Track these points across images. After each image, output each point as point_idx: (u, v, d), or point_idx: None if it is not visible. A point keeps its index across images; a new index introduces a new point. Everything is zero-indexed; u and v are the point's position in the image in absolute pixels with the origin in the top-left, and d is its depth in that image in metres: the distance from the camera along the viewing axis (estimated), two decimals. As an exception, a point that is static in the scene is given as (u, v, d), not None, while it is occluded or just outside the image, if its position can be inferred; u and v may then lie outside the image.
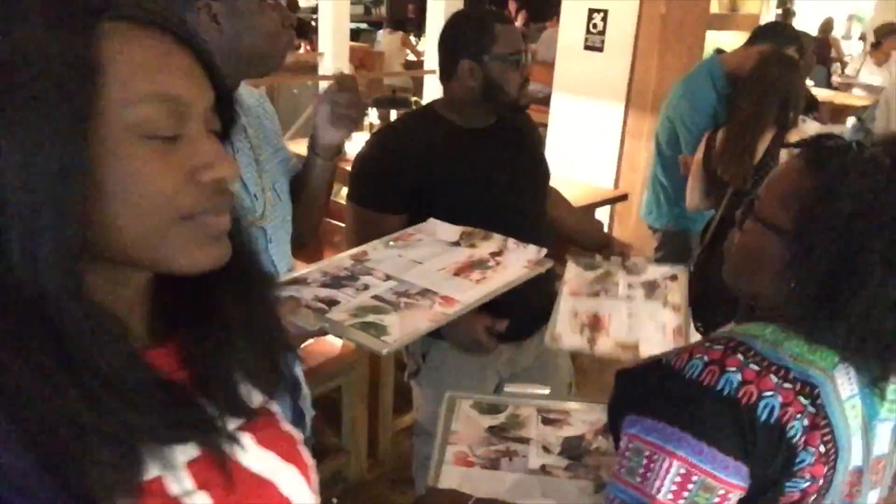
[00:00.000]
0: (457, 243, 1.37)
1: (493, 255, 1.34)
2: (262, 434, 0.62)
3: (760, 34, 2.74)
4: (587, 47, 4.30)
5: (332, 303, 1.11)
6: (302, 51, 7.76)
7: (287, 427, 0.67)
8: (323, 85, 6.34)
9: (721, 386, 0.86)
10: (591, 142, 4.38)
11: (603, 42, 4.23)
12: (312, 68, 6.72)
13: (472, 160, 1.71)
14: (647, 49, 4.10)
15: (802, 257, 0.88)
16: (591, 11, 4.23)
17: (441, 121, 1.73)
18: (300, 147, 3.99)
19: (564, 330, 1.46)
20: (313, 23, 7.16)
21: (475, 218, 1.50)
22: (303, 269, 1.22)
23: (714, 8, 4.33)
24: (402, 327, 1.06)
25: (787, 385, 0.86)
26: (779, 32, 2.72)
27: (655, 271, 1.70)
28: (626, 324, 1.48)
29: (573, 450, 1.29)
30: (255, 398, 0.64)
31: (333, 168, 1.39)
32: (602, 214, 4.06)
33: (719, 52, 2.93)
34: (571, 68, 4.41)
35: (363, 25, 11.84)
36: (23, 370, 0.46)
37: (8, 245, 0.48)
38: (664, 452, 0.87)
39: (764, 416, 0.85)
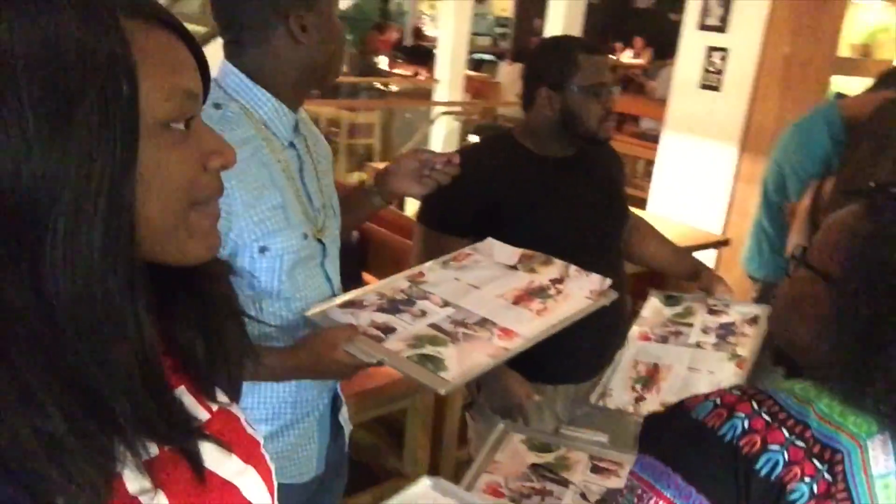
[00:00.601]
0: (515, 267, 1.33)
1: (554, 282, 1.29)
2: (224, 435, 0.61)
3: (886, 79, 2.54)
4: (704, 86, 4.15)
5: (388, 329, 1.11)
6: (422, 77, 7.93)
7: (250, 430, 0.66)
8: (435, 110, 6.45)
9: (724, 430, 0.80)
10: (700, 184, 4.21)
11: (720, 81, 4.08)
12: (427, 94, 6.84)
13: (541, 189, 1.66)
14: (767, 90, 3.91)
15: (846, 306, 0.81)
16: (711, 49, 4.09)
17: (517, 147, 1.70)
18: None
19: (617, 385, 1.38)
20: (435, 51, 7.29)
21: (544, 249, 1.46)
22: (358, 290, 1.22)
23: (844, 51, 4.09)
24: (461, 362, 1.04)
25: (799, 443, 0.79)
26: (906, 78, 2.52)
27: (737, 311, 1.61)
28: (683, 378, 1.39)
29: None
30: (220, 398, 0.64)
31: (374, 213, 1.45)
32: (706, 260, 3.88)
33: (840, 96, 2.75)
34: (685, 106, 4.27)
35: (488, 56, 12.00)
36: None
37: (48, 248, 0.47)
38: (652, 491, 0.81)
39: (764, 471, 0.77)
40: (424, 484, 0.98)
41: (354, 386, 2.14)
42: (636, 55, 10.79)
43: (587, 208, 1.70)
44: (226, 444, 0.60)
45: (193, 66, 0.58)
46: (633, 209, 2.01)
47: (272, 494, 0.64)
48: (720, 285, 1.70)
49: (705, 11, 4.09)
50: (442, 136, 6.34)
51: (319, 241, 1.23)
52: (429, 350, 1.05)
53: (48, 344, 0.47)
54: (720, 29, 4.04)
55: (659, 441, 0.85)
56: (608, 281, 1.32)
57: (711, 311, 1.61)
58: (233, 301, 0.67)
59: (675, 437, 0.84)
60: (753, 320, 1.57)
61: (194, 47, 0.59)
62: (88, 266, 0.48)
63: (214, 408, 0.63)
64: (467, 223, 1.64)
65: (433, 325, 1.12)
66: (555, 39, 1.79)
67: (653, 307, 1.64)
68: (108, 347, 0.49)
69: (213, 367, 0.63)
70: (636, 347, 1.51)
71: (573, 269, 1.34)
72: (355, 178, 5.94)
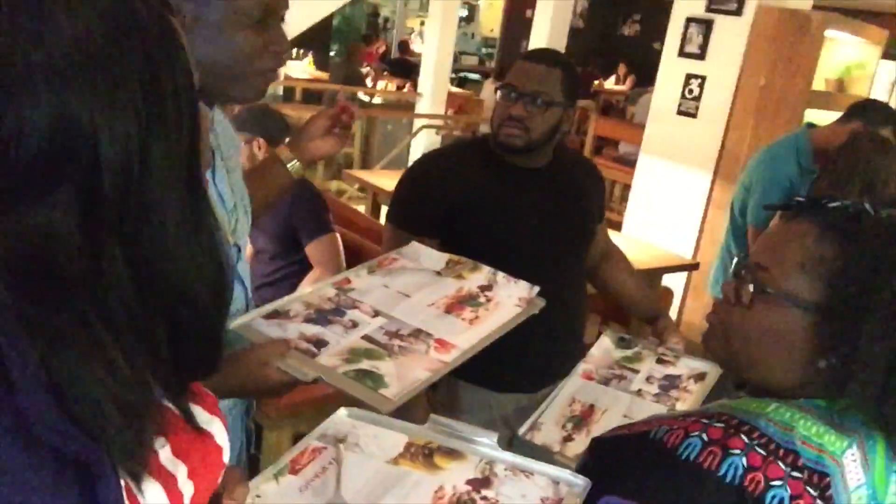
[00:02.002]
0: (441, 273, 1.31)
1: (483, 289, 1.28)
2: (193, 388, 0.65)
3: (854, 111, 2.60)
4: (680, 112, 4.22)
5: (320, 343, 1.05)
6: (406, 89, 7.96)
7: (204, 388, 0.67)
8: (417, 123, 6.47)
9: (724, 471, 0.77)
10: (673, 207, 4.26)
11: (697, 108, 4.14)
12: (410, 107, 6.88)
13: (501, 196, 1.67)
14: (741, 120, 3.98)
15: (848, 335, 0.79)
16: (689, 77, 4.16)
17: (487, 153, 1.70)
18: (382, 179, 4.07)
19: (549, 419, 1.38)
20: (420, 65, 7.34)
21: (499, 255, 1.46)
22: (282, 300, 1.16)
23: (819, 85, 4.17)
24: (401, 378, 1.01)
25: (796, 474, 0.77)
26: (874, 110, 2.57)
27: (686, 364, 1.60)
28: (616, 424, 1.39)
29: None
30: None
31: (293, 178, 1.36)
32: (677, 284, 3.92)
33: (810, 126, 2.80)
34: (662, 132, 4.33)
35: (474, 75, 12.08)
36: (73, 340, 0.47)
37: (143, 217, 0.50)
38: None
39: None
40: (341, 414, 0.98)
41: (295, 396, 2.13)
42: (619, 81, 10.92)
43: (548, 220, 1.70)
44: (195, 395, 0.63)
45: None
46: (610, 235, 2.02)
47: (229, 444, 0.67)
48: (674, 336, 1.71)
49: (685, 38, 4.16)
50: (422, 148, 6.37)
51: (234, 244, 1.18)
52: (366, 365, 1.01)
53: (139, 312, 0.50)
54: (699, 56, 4.11)
55: (640, 483, 0.80)
56: (535, 288, 1.30)
57: (660, 361, 1.60)
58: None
59: (671, 483, 0.79)
60: (700, 377, 1.55)
61: None
62: (184, 227, 0.52)
63: None
64: (432, 223, 1.65)
65: (367, 337, 1.08)
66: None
67: (603, 346, 1.64)
68: (201, 292, 0.54)
69: None
70: (577, 385, 1.50)
71: (500, 275, 1.32)
72: (333, 186, 5.94)
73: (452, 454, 0.92)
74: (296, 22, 5.39)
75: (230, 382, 1.04)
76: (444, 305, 1.20)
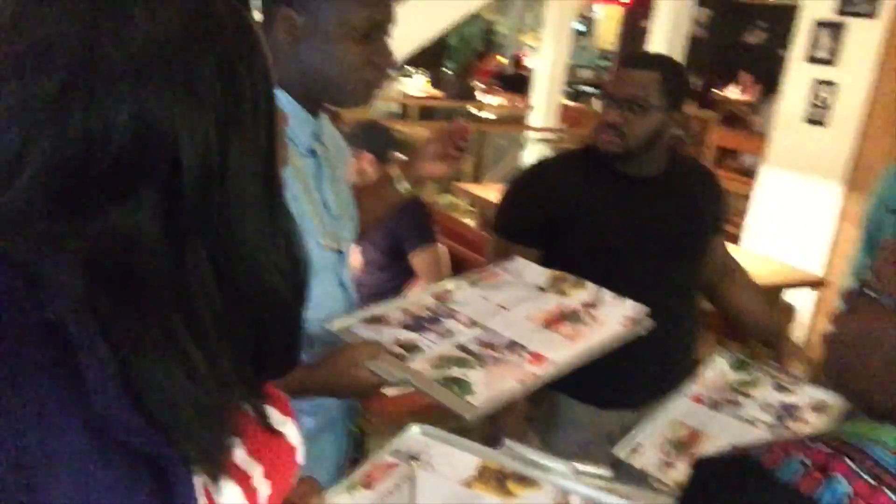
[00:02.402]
0: (544, 288, 1.29)
1: (586, 306, 1.24)
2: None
3: None
4: (809, 120, 3.98)
5: (412, 348, 1.07)
6: (518, 104, 7.95)
7: (276, 389, 0.67)
8: (529, 137, 6.44)
9: (825, 498, 0.70)
10: (799, 220, 4.01)
11: (827, 116, 3.90)
12: (521, 120, 6.85)
13: (610, 207, 1.62)
14: (878, 128, 3.71)
15: None
16: (818, 83, 3.92)
17: (597, 161, 1.65)
18: (492, 193, 4.06)
19: (649, 442, 1.29)
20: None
21: (604, 267, 1.42)
22: (382, 306, 1.19)
23: (967, 89, 3.83)
24: (489, 387, 1.00)
25: None
26: None
27: (806, 393, 1.47)
28: None
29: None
30: None
31: (402, 197, 1.38)
32: (804, 301, 3.69)
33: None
34: (788, 141, 4.10)
35: (590, 89, 11.93)
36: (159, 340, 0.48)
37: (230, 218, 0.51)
38: None
39: None
40: (414, 430, 0.96)
41: (401, 405, 2.14)
42: (743, 91, 10.48)
43: (657, 232, 1.63)
44: (269, 397, 0.63)
45: None
46: (731, 251, 1.92)
47: (303, 445, 0.68)
48: (797, 360, 1.61)
49: (814, 43, 3.93)
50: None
51: (337, 250, 1.21)
52: (455, 372, 1.01)
53: (221, 313, 0.50)
54: (829, 62, 3.87)
55: None
56: (644, 308, 1.25)
57: (779, 388, 1.48)
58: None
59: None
60: (822, 408, 1.42)
61: None
62: (262, 226, 0.53)
63: None
64: (535, 234, 1.62)
65: (460, 346, 1.08)
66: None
67: (717, 368, 1.53)
68: (280, 289, 0.55)
69: None
70: (684, 407, 1.40)
71: (607, 294, 1.28)
72: (445, 199, 5.99)
73: (526, 481, 0.90)
74: (410, 40, 5.50)
75: (321, 380, 1.08)
76: (543, 320, 1.18)
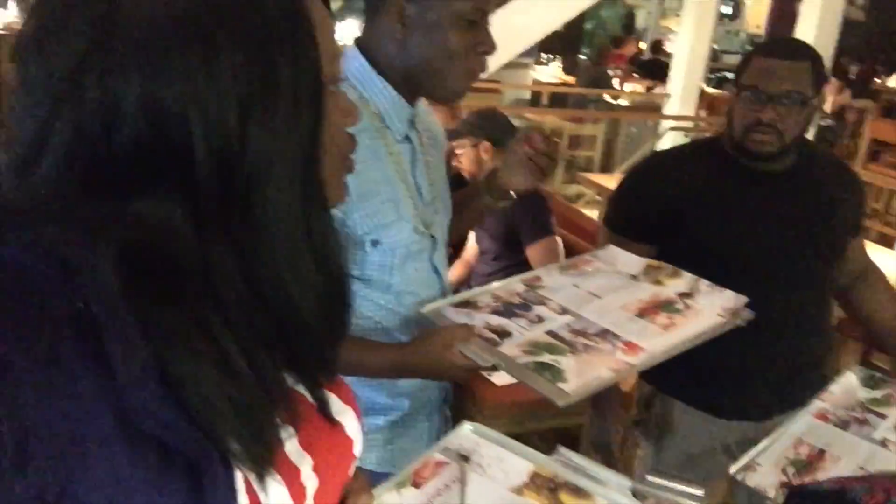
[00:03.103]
0: (638, 277, 1.25)
1: (682, 296, 1.19)
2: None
3: None
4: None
5: (503, 333, 1.08)
6: (656, 90, 7.68)
7: (340, 376, 0.66)
8: (664, 125, 6.21)
9: None
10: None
11: None
12: (657, 109, 6.62)
13: (733, 203, 1.52)
14: None
15: None
16: None
17: (721, 155, 1.56)
18: (610, 181, 3.95)
19: (767, 461, 1.21)
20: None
21: (727, 268, 1.35)
22: (472, 291, 1.20)
23: None
24: (581, 374, 0.99)
25: None
26: None
27: None
28: (849, 476, 1.18)
29: None
30: None
31: (489, 211, 1.37)
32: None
33: None
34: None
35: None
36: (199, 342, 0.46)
37: (260, 216, 0.49)
38: None
39: None
40: (465, 428, 0.95)
41: (505, 396, 2.12)
42: (907, 78, 9.63)
43: (786, 231, 1.51)
44: (331, 384, 0.61)
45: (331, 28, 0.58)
46: (881, 252, 1.76)
47: (361, 436, 0.66)
48: None
49: None
50: (668, 153, 6.12)
51: (430, 235, 1.22)
52: (546, 358, 1.01)
53: (249, 308, 0.49)
54: None
55: None
56: (743, 298, 1.19)
57: None
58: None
59: None
60: None
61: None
62: (291, 231, 0.50)
63: None
64: (650, 229, 1.56)
65: (551, 333, 1.08)
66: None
67: (847, 384, 1.41)
68: (304, 301, 0.51)
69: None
70: (807, 424, 1.30)
71: (704, 283, 1.23)
72: (572, 190, 5.89)
73: (579, 493, 0.87)
74: (542, 25, 5.43)
75: (414, 362, 1.10)
76: (638, 309, 1.15)
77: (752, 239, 1.51)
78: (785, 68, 1.44)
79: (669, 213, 1.54)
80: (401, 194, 1.16)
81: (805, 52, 1.47)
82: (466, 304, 1.15)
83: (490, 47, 1.14)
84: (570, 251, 2.59)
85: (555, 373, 0.98)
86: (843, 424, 1.31)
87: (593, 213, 3.90)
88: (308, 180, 0.51)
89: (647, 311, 1.14)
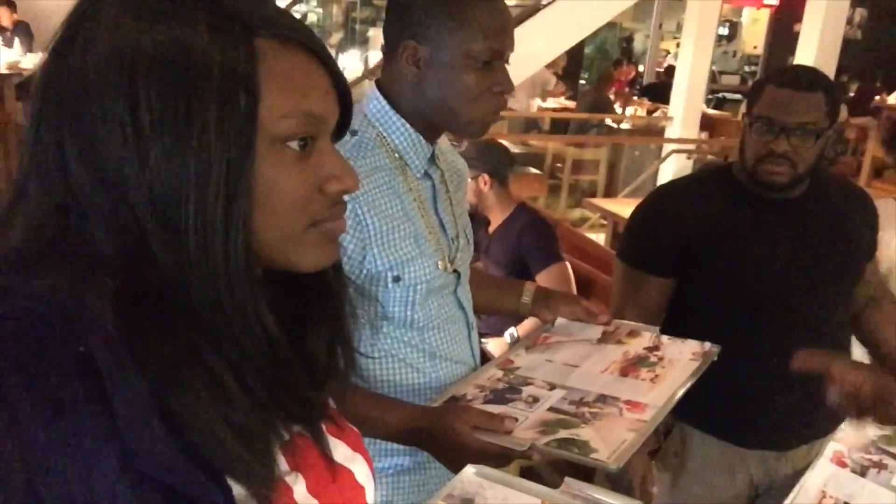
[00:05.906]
0: (603, 341, 1.26)
1: (650, 350, 1.21)
2: (331, 424, 0.63)
3: None
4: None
5: (509, 420, 1.04)
6: (658, 113, 7.71)
7: (348, 423, 0.66)
8: (666, 148, 6.21)
9: None
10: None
11: None
12: (660, 132, 6.63)
13: (752, 230, 1.50)
14: None
15: None
16: None
17: (731, 184, 1.55)
18: (624, 207, 3.94)
19: None
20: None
21: (745, 297, 1.33)
22: (453, 387, 1.16)
23: None
24: (605, 441, 0.97)
25: None
26: None
27: None
28: None
29: None
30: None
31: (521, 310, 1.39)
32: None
33: None
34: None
35: (735, 96, 11.41)
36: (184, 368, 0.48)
37: (184, 252, 0.51)
38: None
39: None
40: (468, 472, 0.92)
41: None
42: (906, 96, 9.65)
43: (803, 258, 1.49)
44: (338, 430, 0.62)
45: (325, 89, 0.58)
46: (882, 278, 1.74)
47: (373, 484, 0.66)
48: None
49: None
50: (671, 174, 6.10)
51: (454, 270, 1.21)
52: (564, 434, 0.98)
53: (230, 332, 0.50)
54: None
55: None
56: (707, 344, 1.21)
57: None
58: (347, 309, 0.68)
59: None
60: None
61: (334, 72, 0.59)
62: (212, 270, 0.50)
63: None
64: (667, 261, 1.54)
65: (553, 409, 1.05)
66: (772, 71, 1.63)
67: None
68: (239, 340, 0.51)
69: (332, 373, 0.64)
70: (826, 472, 1.26)
71: (665, 337, 1.25)
72: (576, 214, 5.89)
73: None
74: (543, 53, 5.45)
75: (416, 427, 1.03)
76: (618, 369, 1.16)
77: (769, 266, 1.48)
78: (799, 99, 1.41)
79: (685, 244, 1.52)
80: (422, 230, 1.15)
81: (819, 83, 1.44)
82: (455, 400, 1.11)
83: (507, 87, 1.14)
84: (577, 278, 2.57)
85: (581, 446, 0.95)
86: (861, 471, 1.27)
87: (599, 238, 3.89)
88: (231, 228, 0.51)
89: (627, 370, 1.15)
